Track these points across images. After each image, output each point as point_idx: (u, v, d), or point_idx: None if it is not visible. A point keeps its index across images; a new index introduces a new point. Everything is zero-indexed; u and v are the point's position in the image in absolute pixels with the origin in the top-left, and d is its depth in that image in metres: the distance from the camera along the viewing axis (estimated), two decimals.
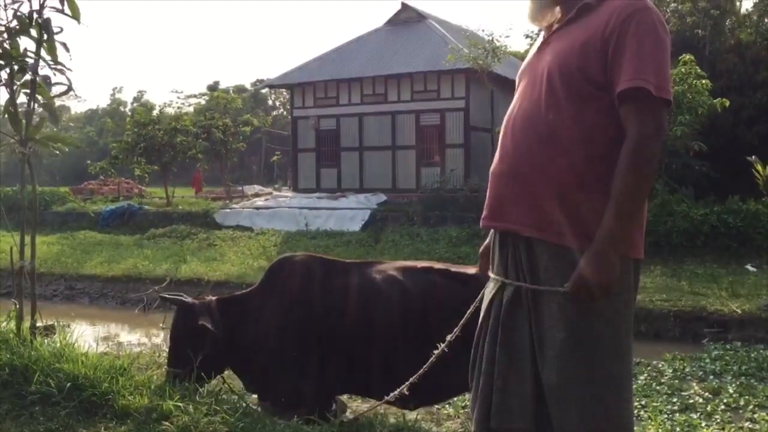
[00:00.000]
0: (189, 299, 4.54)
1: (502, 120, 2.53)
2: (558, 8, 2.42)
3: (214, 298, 4.64)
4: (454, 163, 21.24)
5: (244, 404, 3.81)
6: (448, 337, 3.09)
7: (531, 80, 2.41)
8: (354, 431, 3.20)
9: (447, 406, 5.73)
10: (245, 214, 20.82)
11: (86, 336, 10.28)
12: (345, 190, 22.69)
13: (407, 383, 3.48)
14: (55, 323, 5.61)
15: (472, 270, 4.07)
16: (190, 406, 3.45)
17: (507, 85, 18.17)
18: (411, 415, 4.15)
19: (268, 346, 4.32)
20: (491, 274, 2.56)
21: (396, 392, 3.56)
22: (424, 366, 3.32)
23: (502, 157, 2.45)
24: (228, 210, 21.47)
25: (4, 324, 4.37)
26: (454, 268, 4.43)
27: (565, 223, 2.26)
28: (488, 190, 2.53)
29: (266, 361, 4.31)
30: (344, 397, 5.68)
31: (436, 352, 3.17)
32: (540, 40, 2.53)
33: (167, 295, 4.71)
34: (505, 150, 2.43)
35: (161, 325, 9.27)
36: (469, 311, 2.83)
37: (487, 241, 2.72)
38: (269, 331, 4.35)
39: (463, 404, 5.50)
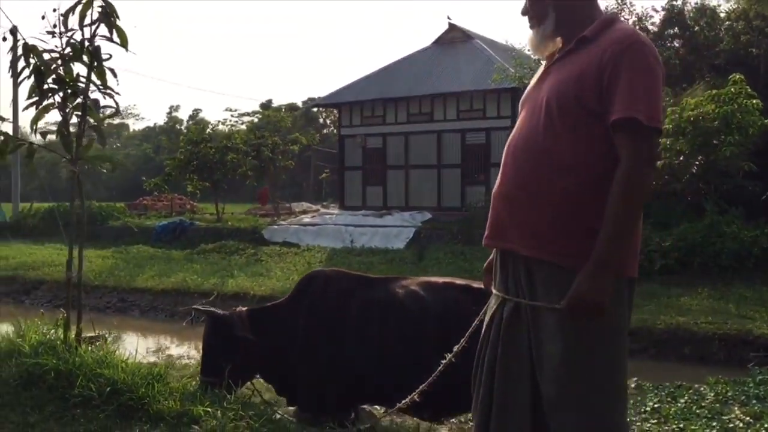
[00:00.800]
0: (220, 311, 4.76)
1: None
2: (558, 39, 2.54)
3: (244, 309, 4.85)
4: None
5: (269, 411, 3.96)
6: (455, 348, 3.21)
7: (531, 107, 2.54)
8: None
9: None
10: (292, 230, 21.19)
11: (136, 347, 10.64)
12: (390, 207, 22.88)
13: (416, 391, 3.62)
14: (105, 333, 5.88)
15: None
16: (219, 412, 3.64)
17: None
18: (424, 423, 4.26)
19: (295, 355, 4.52)
20: (493, 290, 2.69)
21: (406, 400, 3.71)
22: (432, 375, 3.47)
23: (503, 180, 2.58)
24: (276, 226, 21.87)
25: (53, 332, 4.64)
26: (474, 284, 4.56)
27: (560, 244, 2.38)
28: (490, 211, 2.67)
29: (293, 368, 4.51)
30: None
31: (443, 362, 3.29)
32: (541, 69, 2.66)
33: (200, 307, 4.94)
34: (505, 173, 2.56)
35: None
36: (473, 324, 2.95)
37: (490, 257, 2.85)
38: (296, 340, 4.56)
39: None
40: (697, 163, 15.04)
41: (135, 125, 75.44)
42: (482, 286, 4.29)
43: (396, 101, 23.32)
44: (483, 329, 2.65)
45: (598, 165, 2.37)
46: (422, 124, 22.86)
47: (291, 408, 4.87)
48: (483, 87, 21.02)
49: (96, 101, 4.58)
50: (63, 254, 12.38)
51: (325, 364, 4.42)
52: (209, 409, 3.67)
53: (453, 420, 4.88)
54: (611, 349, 2.37)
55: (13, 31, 4.42)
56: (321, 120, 65.78)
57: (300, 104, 65.33)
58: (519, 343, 2.46)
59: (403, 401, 3.72)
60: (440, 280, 4.80)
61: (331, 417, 4.15)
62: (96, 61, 4.50)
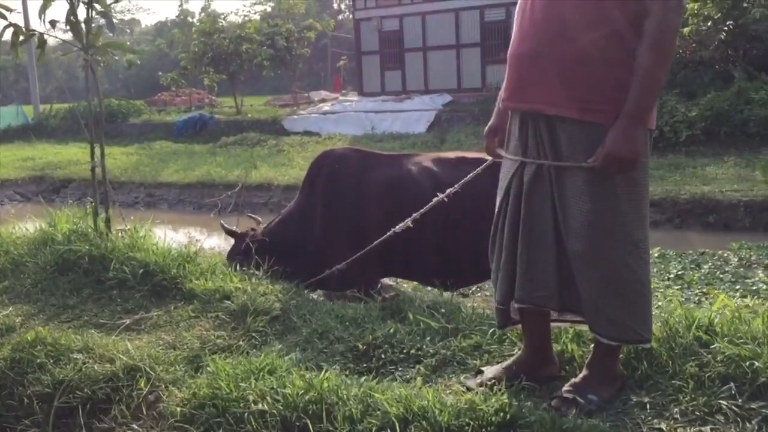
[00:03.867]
0: (239, 231, 5.09)
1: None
2: None
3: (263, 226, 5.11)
4: None
5: (297, 285, 4.08)
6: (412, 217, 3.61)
7: None
8: (395, 306, 3.42)
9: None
10: (312, 119, 21.08)
11: (165, 236, 10.93)
12: (410, 91, 22.55)
13: (350, 259, 4.22)
14: (135, 226, 6.02)
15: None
16: (249, 287, 3.76)
17: None
18: (446, 293, 4.37)
19: (315, 236, 4.66)
20: (505, 154, 2.66)
21: (332, 269, 4.27)
22: (373, 243, 4.04)
23: (522, 38, 2.49)
24: (295, 116, 21.76)
25: (82, 220, 4.75)
26: (487, 156, 4.55)
27: (589, 100, 2.34)
28: (507, 72, 2.60)
29: (322, 253, 4.64)
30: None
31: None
32: None
33: (224, 224, 5.14)
34: (524, 31, 2.48)
35: (234, 227, 9.74)
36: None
37: (492, 121, 2.81)
38: (315, 222, 4.68)
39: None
40: (725, 28, 14.43)
41: (146, 20, 73.94)
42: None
43: None
44: (500, 194, 2.64)
45: (626, 15, 2.29)
46: (439, 3, 22.09)
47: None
48: None
49: None
50: (88, 152, 12.51)
51: (345, 241, 4.53)
52: (239, 285, 3.78)
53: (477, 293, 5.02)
54: (637, 201, 2.38)
55: None
56: (335, 5, 63.86)
57: None
58: (542, 204, 2.47)
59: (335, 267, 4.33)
60: (452, 155, 4.80)
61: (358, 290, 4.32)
62: None
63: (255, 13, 49.35)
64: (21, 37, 4.57)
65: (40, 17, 4.67)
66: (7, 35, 4.53)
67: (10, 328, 3.53)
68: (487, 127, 2.85)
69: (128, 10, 74.84)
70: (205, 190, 14.79)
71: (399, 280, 5.83)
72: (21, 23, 4.65)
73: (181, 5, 71.69)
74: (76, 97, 27.23)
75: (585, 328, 2.73)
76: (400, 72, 23.26)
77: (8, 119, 25.55)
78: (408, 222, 4.00)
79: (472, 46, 21.76)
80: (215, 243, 11.39)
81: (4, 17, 4.48)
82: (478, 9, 21.42)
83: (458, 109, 19.50)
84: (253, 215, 5.49)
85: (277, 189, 13.96)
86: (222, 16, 28.16)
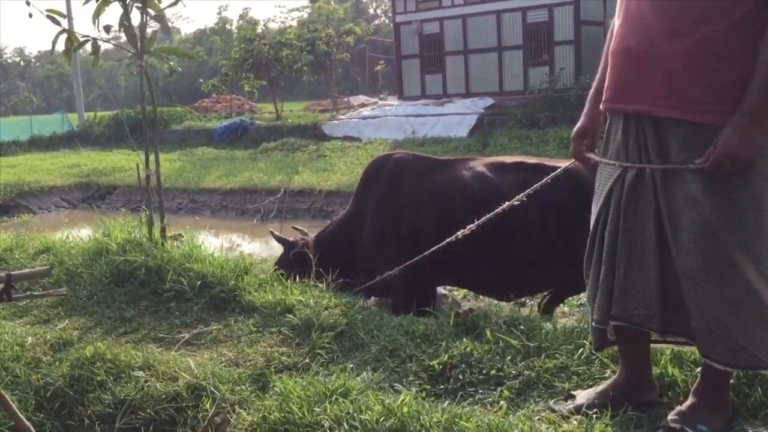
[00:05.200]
0: (290, 238, 5.03)
1: (616, 10, 2.35)
2: None
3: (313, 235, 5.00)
4: (564, 61, 20.29)
5: (362, 298, 3.92)
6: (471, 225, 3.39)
7: None
8: (470, 322, 3.21)
9: (561, 304, 5.71)
10: (352, 124, 20.99)
11: (212, 245, 10.89)
12: (451, 95, 22.31)
13: (395, 270, 4.00)
14: (181, 233, 5.94)
15: (566, 163, 4.03)
16: (311, 300, 3.59)
17: None
18: (525, 310, 4.17)
19: (369, 243, 4.52)
20: (599, 159, 2.44)
21: (384, 275, 4.01)
22: (439, 245, 3.87)
23: (628, 33, 2.25)
24: (335, 121, 21.70)
25: (137, 230, 4.65)
26: (547, 162, 4.35)
27: (707, 100, 2.09)
28: (610, 71, 2.36)
29: (375, 260, 4.49)
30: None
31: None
32: None
33: (276, 234, 5.05)
34: (631, 25, 2.24)
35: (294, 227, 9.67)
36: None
37: (581, 123, 2.57)
38: (368, 228, 4.54)
39: (579, 302, 5.45)
40: None
41: (186, 28, 75.00)
42: (558, 164, 4.10)
43: None
44: (598, 204, 2.42)
45: (746, 6, 2.05)
46: (480, 5, 21.81)
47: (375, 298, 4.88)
48: None
49: None
50: (132, 159, 12.56)
51: (399, 247, 4.39)
52: (302, 298, 3.62)
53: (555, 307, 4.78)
54: (759, 211, 2.12)
55: None
56: (371, 11, 64.01)
57: None
58: (645, 214, 2.23)
59: (386, 274, 4.12)
60: (509, 159, 4.61)
61: (415, 302, 4.18)
62: None
63: (292, 19, 49.73)
64: (75, 44, 4.50)
65: (93, 22, 4.59)
66: (58, 42, 4.47)
67: (68, 342, 3.42)
68: (575, 129, 2.60)
69: (168, 18, 76.11)
70: (248, 195, 14.78)
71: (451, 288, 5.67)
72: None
73: (219, 13, 72.54)
74: (119, 105, 27.58)
75: (687, 349, 2.49)
76: (440, 75, 23.04)
77: (54, 127, 26.00)
78: (470, 228, 3.82)
79: (515, 48, 21.43)
80: (257, 249, 11.36)
81: (58, 23, 4.41)
82: (520, 11, 21.09)
83: (500, 113, 19.21)
84: (298, 227, 5.36)
85: (320, 194, 13.88)
86: (261, 24, 28.30)
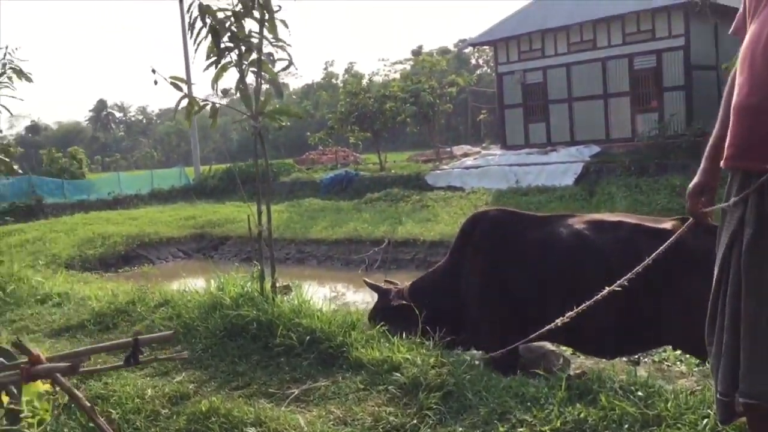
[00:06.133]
0: (383, 286, 5.01)
1: (729, 56, 2.26)
2: None
3: (408, 283, 4.98)
4: (674, 107, 19.62)
5: (467, 357, 3.86)
6: (618, 282, 3.18)
7: None
8: (582, 386, 3.09)
9: (679, 363, 5.42)
10: (455, 174, 21.05)
11: (317, 295, 11.09)
12: (555, 143, 22.00)
13: (555, 323, 3.63)
14: (290, 283, 6.11)
15: (667, 224, 3.88)
16: (418, 358, 3.57)
17: (733, 16, 16.35)
18: (641, 371, 3.98)
19: (467, 302, 4.48)
20: (717, 208, 2.32)
21: (544, 329, 3.72)
22: (579, 308, 3.49)
23: (752, 88, 2.16)
24: (438, 171, 21.82)
25: (249, 284, 4.80)
26: (648, 222, 4.18)
27: None
28: (732, 127, 2.26)
29: (470, 316, 4.45)
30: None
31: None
32: None
33: (367, 281, 5.11)
34: (756, 81, 2.15)
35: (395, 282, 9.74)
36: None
37: (697, 179, 2.45)
38: (464, 285, 4.51)
39: (697, 362, 5.15)
40: None
41: (294, 83, 78.18)
42: (659, 225, 3.94)
43: (555, 31, 22.12)
44: (717, 265, 2.29)
45: None
46: (585, 53, 21.56)
47: (475, 352, 4.80)
48: (651, 5, 19.40)
49: (270, 55, 4.59)
50: (243, 211, 13.04)
51: (494, 305, 4.36)
52: (408, 356, 3.61)
53: (667, 363, 4.56)
54: None
55: None
56: (473, 61, 64.52)
57: (451, 47, 64.38)
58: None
59: (537, 332, 3.80)
60: (610, 217, 4.46)
61: (510, 356, 4.10)
62: (267, 14, 4.49)
63: (396, 72, 50.85)
64: (195, 108, 4.77)
65: (212, 86, 4.88)
66: (180, 106, 4.76)
67: (184, 395, 3.55)
68: (691, 185, 2.49)
69: (281, 68, 79.55)
70: (353, 246, 14.99)
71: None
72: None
73: (326, 68, 75.21)
74: (231, 158, 28.89)
75: None
76: (544, 124, 22.82)
77: (172, 181, 27.52)
78: (614, 287, 3.59)
79: (621, 95, 20.95)
80: (362, 299, 11.46)
81: (180, 89, 4.70)
82: (626, 57, 20.66)
83: (607, 160, 18.74)
84: (390, 280, 5.40)
85: (423, 245, 13.90)
86: (366, 78, 29.13)
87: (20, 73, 7.14)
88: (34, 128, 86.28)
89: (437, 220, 15.79)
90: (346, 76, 61.64)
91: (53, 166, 28.73)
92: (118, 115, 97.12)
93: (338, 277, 13.79)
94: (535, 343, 4.75)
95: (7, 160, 6.78)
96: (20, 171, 8.51)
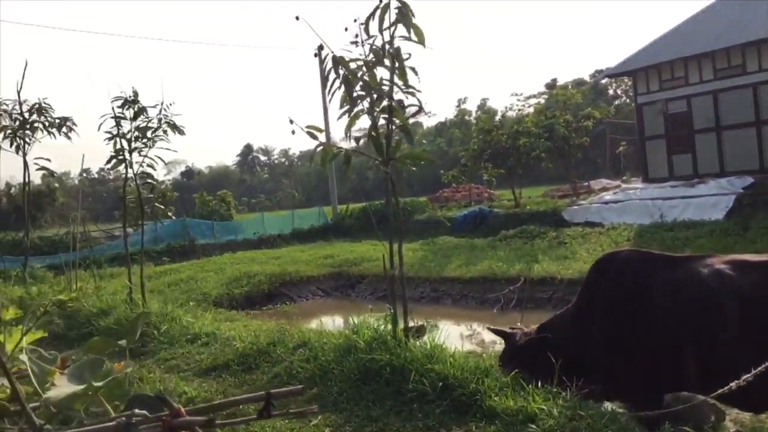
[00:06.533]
0: (508, 330, 4.93)
1: None
2: None
3: (534, 327, 4.77)
4: None
5: (609, 409, 3.67)
6: None
7: None
8: None
9: None
10: (594, 209, 20.35)
11: (452, 334, 11.02)
12: (702, 175, 20.77)
13: (740, 380, 3.28)
14: (425, 323, 6.12)
15: None
16: (555, 409, 3.44)
17: None
18: None
19: (598, 348, 4.26)
20: None
21: (725, 389, 3.40)
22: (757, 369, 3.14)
23: None
24: (576, 207, 21.20)
25: (382, 327, 4.85)
26: None
27: None
28: None
29: (604, 360, 4.23)
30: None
31: None
32: None
33: (491, 328, 5.04)
34: None
35: (518, 324, 9.50)
36: None
37: None
38: (594, 329, 4.29)
39: None
40: None
41: (427, 122, 79.25)
42: None
43: (699, 58, 21.03)
44: None
45: None
46: (733, 79, 20.33)
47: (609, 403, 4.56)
48: None
49: (400, 102, 4.69)
50: (379, 249, 13.30)
51: (627, 352, 4.12)
52: (544, 407, 3.49)
53: None
54: None
55: (321, 46, 4.71)
56: (611, 91, 62.68)
57: (587, 78, 62.91)
58: None
59: (721, 390, 3.44)
60: (754, 258, 4.10)
61: (646, 406, 3.83)
62: (397, 62, 4.60)
63: (529, 106, 50.35)
64: (330, 155, 4.94)
65: (345, 134, 5.03)
66: (316, 154, 4.94)
67: None
68: None
69: (411, 114, 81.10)
70: (487, 284, 14.77)
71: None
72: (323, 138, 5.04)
73: (459, 105, 75.73)
74: (367, 197, 29.57)
75: None
76: (689, 155, 21.63)
77: (311, 220, 28.55)
78: None
79: None
80: (498, 339, 11.23)
81: (315, 138, 4.89)
82: None
83: (763, 192, 17.43)
84: (515, 326, 5.24)
85: (561, 283, 13.46)
86: (499, 114, 29.04)
87: (174, 127, 7.73)
88: (188, 173, 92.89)
89: (575, 257, 15.27)
90: (479, 112, 61.72)
91: (204, 208, 30.69)
92: (262, 158, 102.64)
93: (473, 317, 13.61)
94: (684, 393, 4.45)
95: (162, 207, 7.31)
96: (173, 216, 9.22)
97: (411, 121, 5.35)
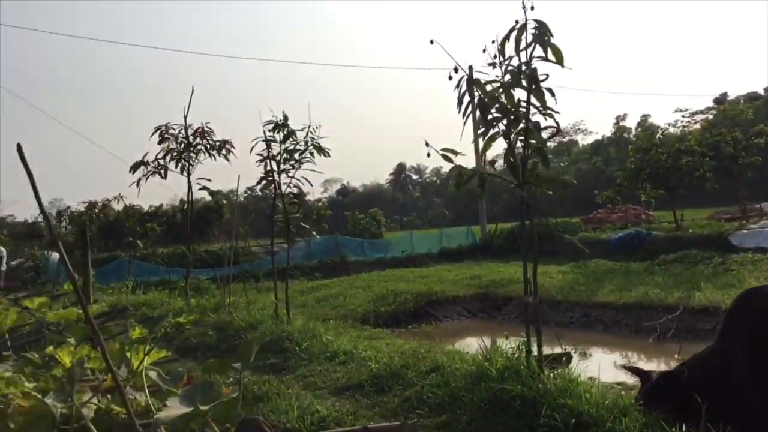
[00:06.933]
0: (646, 370, 4.62)
1: None
2: None
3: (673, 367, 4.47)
4: None
5: None
6: None
7: None
8: None
9: None
10: (766, 234, 18.71)
11: (603, 363, 10.50)
12: None
13: None
14: (570, 350, 5.89)
15: None
16: None
17: None
18: None
19: (747, 388, 3.85)
20: None
21: None
22: None
23: None
24: (745, 231, 19.59)
25: (515, 356, 4.70)
26: None
27: None
28: None
29: (749, 404, 3.82)
30: None
31: None
32: None
33: (628, 366, 4.72)
34: None
35: (676, 356, 8.88)
36: None
37: None
38: (744, 370, 3.89)
39: None
40: None
41: (584, 140, 76.78)
42: None
43: None
44: None
45: None
46: None
47: None
48: None
49: (537, 123, 4.55)
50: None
51: None
52: None
53: None
54: None
55: (456, 69, 4.68)
56: None
57: (762, 92, 58.21)
58: None
59: None
60: None
61: None
62: (534, 83, 4.47)
63: (695, 122, 47.37)
64: (464, 178, 4.88)
65: (481, 156, 4.95)
66: (452, 177, 4.89)
67: None
68: None
69: (567, 132, 79.00)
70: (643, 312, 13.95)
71: None
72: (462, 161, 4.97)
73: (617, 123, 72.75)
74: (517, 217, 29.11)
75: None
76: None
77: (460, 239, 28.47)
78: None
79: None
80: (651, 369, 10.53)
81: (450, 161, 4.85)
82: None
83: None
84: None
85: (725, 314, 12.45)
86: (660, 131, 27.58)
87: (320, 149, 8.01)
88: (343, 191, 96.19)
89: (742, 285, 14.05)
90: (638, 129, 58.90)
91: (356, 226, 31.59)
92: (414, 177, 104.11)
93: (627, 345, 12.91)
94: None
95: (306, 226, 7.57)
96: (316, 235, 9.55)
97: (565, 139, 5.17)
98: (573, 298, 15.81)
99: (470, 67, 4.86)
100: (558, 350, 7.16)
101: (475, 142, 26.84)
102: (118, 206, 22.46)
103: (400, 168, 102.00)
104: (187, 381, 2.37)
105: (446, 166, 4.94)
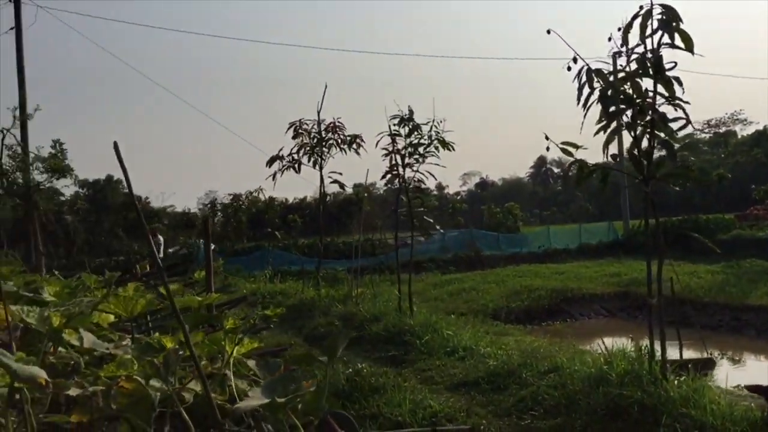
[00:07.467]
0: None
1: None
2: None
3: None
4: None
5: None
6: None
7: None
8: None
9: None
10: None
11: (754, 371, 9.74)
12: None
13: None
14: (716, 355, 5.52)
15: None
16: None
17: None
18: None
19: None
20: None
21: None
22: None
23: None
24: None
25: (637, 362, 4.46)
26: None
27: None
28: None
29: None
30: None
31: None
32: None
33: (749, 385, 4.29)
34: None
35: None
36: None
37: None
38: None
39: None
40: None
41: (743, 131, 71.09)
42: None
43: None
44: None
45: None
46: None
47: None
48: None
49: (663, 115, 4.26)
50: (671, 271, 12.30)
51: None
52: None
53: None
54: None
55: (575, 59, 4.47)
56: None
57: None
58: None
59: None
60: None
61: None
62: (660, 72, 4.20)
63: None
64: (585, 172, 4.69)
65: (603, 151, 4.73)
66: (571, 170, 4.71)
67: None
68: None
69: (723, 122, 73.56)
70: None
71: None
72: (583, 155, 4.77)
73: None
74: (666, 212, 27.53)
75: None
76: None
77: (599, 235, 27.35)
78: None
79: None
80: None
81: (570, 155, 4.67)
82: None
83: None
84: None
85: None
86: None
87: (444, 143, 7.97)
88: (482, 184, 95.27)
89: None
90: None
91: (491, 220, 31.24)
92: (555, 170, 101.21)
93: None
94: None
95: (431, 220, 7.57)
96: (440, 229, 9.51)
97: (722, 130, 4.84)
98: (722, 300, 14.76)
99: (574, 59, 4.64)
100: (699, 356, 6.73)
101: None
102: (264, 197, 23.58)
103: (541, 161, 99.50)
104: (285, 371, 2.44)
105: (590, 160, 4.75)
